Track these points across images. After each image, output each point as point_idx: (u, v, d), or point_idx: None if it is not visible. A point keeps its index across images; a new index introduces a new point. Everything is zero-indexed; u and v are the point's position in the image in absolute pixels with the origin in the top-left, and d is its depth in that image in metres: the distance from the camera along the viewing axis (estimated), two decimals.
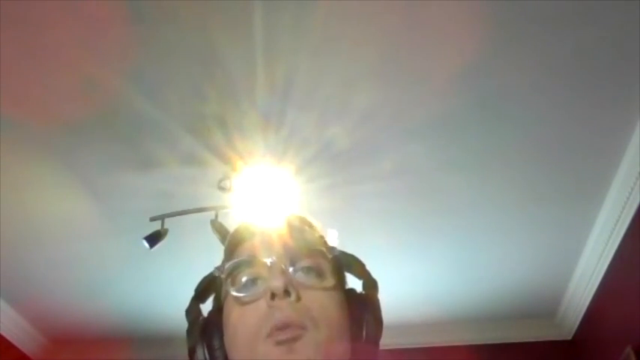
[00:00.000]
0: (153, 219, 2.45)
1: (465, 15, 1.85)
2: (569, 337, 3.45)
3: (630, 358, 2.62)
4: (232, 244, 0.78)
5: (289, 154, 2.38)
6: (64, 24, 1.87)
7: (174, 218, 2.42)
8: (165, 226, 2.44)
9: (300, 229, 0.77)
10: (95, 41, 1.93)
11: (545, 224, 2.78)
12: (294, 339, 0.65)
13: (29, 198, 2.63)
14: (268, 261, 0.70)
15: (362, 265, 0.78)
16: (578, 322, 3.32)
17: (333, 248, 0.76)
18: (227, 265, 0.73)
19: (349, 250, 0.78)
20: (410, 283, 3.20)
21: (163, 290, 3.10)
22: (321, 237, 0.78)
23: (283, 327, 0.65)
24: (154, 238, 2.40)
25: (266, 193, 2.43)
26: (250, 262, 0.72)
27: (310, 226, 0.80)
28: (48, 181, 2.54)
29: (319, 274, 0.71)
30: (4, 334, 3.42)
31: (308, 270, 0.71)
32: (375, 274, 0.77)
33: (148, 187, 2.54)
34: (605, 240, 2.77)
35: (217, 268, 0.75)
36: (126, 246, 2.83)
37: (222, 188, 2.43)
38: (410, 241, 2.90)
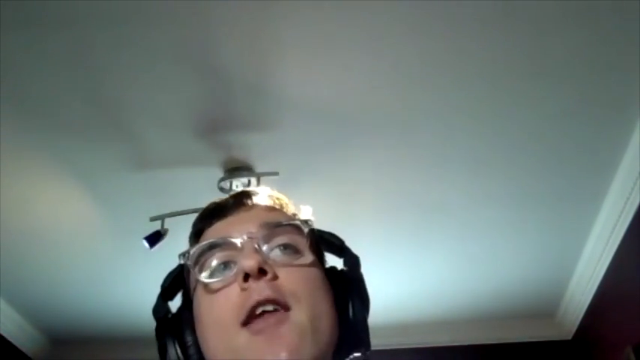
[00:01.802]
0: (153, 219, 2.45)
1: (465, 16, 1.85)
2: (569, 337, 3.45)
3: (630, 358, 2.62)
4: (199, 227, 0.72)
5: (289, 153, 2.38)
6: (65, 24, 1.87)
7: (174, 218, 2.42)
8: (165, 226, 2.44)
9: (272, 206, 0.72)
10: (96, 41, 1.93)
11: (545, 224, 2.78)
12: (278, 323, 0.59)
13: (29, 198, 2.63)
14: (239, 241, 0.65)
15: (341, 242, 0.73)
16: (578, 322, 3.32)
17: (307, 222, 0.70)
18: (193, 250, 0.67)
19: None
20: (410, 283, 3.20)
21: None
22: (295, 213, 0.74)
23: (264, 303, 0.60)
24: (154, 238, 2.40)
25: (265, 193, 2.43)
26: (219, 244, 0.66)
27: (282, 202, 0.74)
28: (48, 181, 2.54)
29: (296, 250, 0.66)
30: (4, 334, 3.42)
31: (284, 247, 0.66)
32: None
33: (148, 187, 2.55)
34: (605, 240, 2.77)
35: (182, 255, 0.68)
36: (126, 246, 2.83)
37: (222, 188, 2.43)
38: (409, 242, 2.90)
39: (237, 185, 2.42)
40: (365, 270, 0.72)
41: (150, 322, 0.70)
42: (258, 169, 2.42)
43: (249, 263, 0.61)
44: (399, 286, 3.20)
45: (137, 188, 2.55)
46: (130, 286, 3.20)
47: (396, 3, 1.82)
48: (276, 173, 2.35)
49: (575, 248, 2.94)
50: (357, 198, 2.64)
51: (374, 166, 2.47)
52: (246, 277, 0.62)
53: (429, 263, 3.06)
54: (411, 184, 2.56)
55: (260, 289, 0.61)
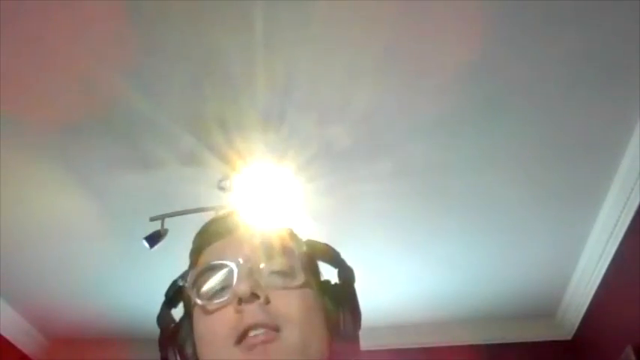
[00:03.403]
0: (153, 219, 2.45)
1: (465, 15, 1.85)
2: (569, 337, 3.45)
3: (630, 358, 2.62)
4: (197, 248, 0.75)
5: (289, 153, 2.38)
6: (65, 24, 1.87)
7: (174, 218, 2.42)
8: (165, 226, 2.44)
9: (268, 226, 0.75)
10: (95, 41, 1.93)
11: (545, 224, 2.78)
12: (266, 342, 0.62)
13: (29, 198, 2.63)
14: (234, 265, 0.67)
15: (335, 254, 0.76)
16: (578, 322, 3.32)
17: (301, 243, 0.73)
18: (190, 274, 0.70)
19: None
20: (410, 283, 3.20)
21: (163, 290, 3.08)
22: (290, 232, 0.76)
23: (255, 327, 0.63)
24: (154, 238, 2.40)
25: (266, 193, 2.43)
26: (215, 267, 0.69)
27: (278, 222, 0.77)
28: (48, 181, 2.54)
29: (289, 273, 0.69)
30: (4, 334, 3.42)
31: (278, 270, 0.69)
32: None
33: (148, 187, 2.54)
34: (605, 240, 2.77)
35: (181, 277, 0.72)
36: (126, 246, 2.83)
37: (222, 188, 2.43)
38: (410, 241, 2.90)
39: (237, 186, 2.42)
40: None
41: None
42: (259, 169, 2.42)
43: (242, 288, 0.64)
44: (399, 287, 3.20)
45: (137, 188, 2.55)
46: (129, 286, 3.20)
47: (400, 3, 1.81)
48: (277, 173, 2.35)
49: (575, 248, 2.94)
50: (358, 200, 2.63)
51: (375, 169, 2.47)
52: (240, 300, 0.64)
53: (430, 264, 3.06)
54: (411, 186, 2.55)
55: (253, 313, 0.64)
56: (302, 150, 2.37)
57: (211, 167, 2.42)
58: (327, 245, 0.76)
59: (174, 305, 0.75)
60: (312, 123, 2.25)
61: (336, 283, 0.73)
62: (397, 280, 3.15)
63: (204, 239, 0.75)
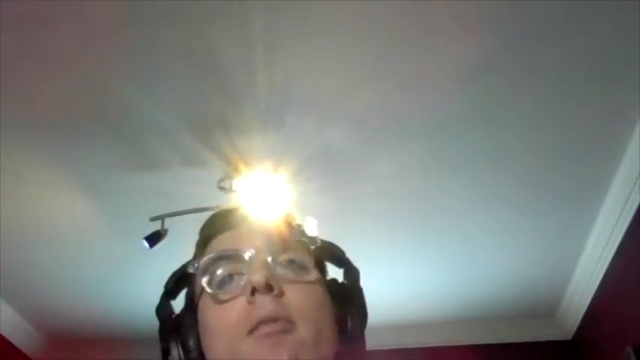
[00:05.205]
0: (153, 219, 2.45)
1: (465, 17, 1.85)
2: (569, 337, 3.45)
3: (630, 358, 2.62)
4: (207, 236, 0.74)
5: (289, 154, 2.38)
6: (65, 24, 1.87)
7: (174, 218, 2.42)
8: (165, 226, 2.44)
9: (280, 220, 0.74)
10: (96, 41, 1.93)
11: (545, 224, 2.78)
12: (282, 332, 0.61)
13: (29, 198, 2.63)
14: (247, 255, 0.66)
15: (342, 253, 0.74)
16: (578, 322, 3.32)
17: (314, 239, 0.72)
18: (202, 261, 0.68)
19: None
20: (410, 283, 3.20)
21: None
22: (302, 228, 0.75)
23: (269, 321, 0.61)
24: (154, 238, 2.40)
25: (265, 193, 2.43)
26: (228, 256, 0.68)
27: (289, 216, 0.76)
28: (48, 181, 2.54)
29: (302, 267, 0.68)
30: (4, 334, 3.42)
31: (290, 263, 0.67)
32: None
33: (148, 187, 2.54)
34: (605, 240, 2.77)
35: (190, 264, 0.70)
36: (126, 246, 2.83)
37: (222, 188, 2.43)
38: (410, 242, 2.90)
39: (237, 186, 2.42)
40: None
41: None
42: (259, 169, 2.42)
43: (257, 278, 0.63)
44: (399, 286, 3.20)
45: (137, 188, 2.55)
46: (129, 286, 3.20)
47: (399, 5, 1.82)
48: (276, 174, 2.35)
49: (575, 248, 2.94)
50: (357, 201, 2.63)
51: (375, 169, 2.47)
52: (254, 290, 0.63)
53: (430, 264, 3.06)
54: (411, 187, 2.55)
55: (265, 305, 0.62)
56: (301, 151, 2.37)
57: (211, 167, 2.42)
58: (332, 244, 0.75)
59: (174, 297, 0.73)
60: (311, 124, 2.25)
61: (342, 282, 0.72)
62: (397, 280, 3.15)
63: (213, 230, 0.73)
